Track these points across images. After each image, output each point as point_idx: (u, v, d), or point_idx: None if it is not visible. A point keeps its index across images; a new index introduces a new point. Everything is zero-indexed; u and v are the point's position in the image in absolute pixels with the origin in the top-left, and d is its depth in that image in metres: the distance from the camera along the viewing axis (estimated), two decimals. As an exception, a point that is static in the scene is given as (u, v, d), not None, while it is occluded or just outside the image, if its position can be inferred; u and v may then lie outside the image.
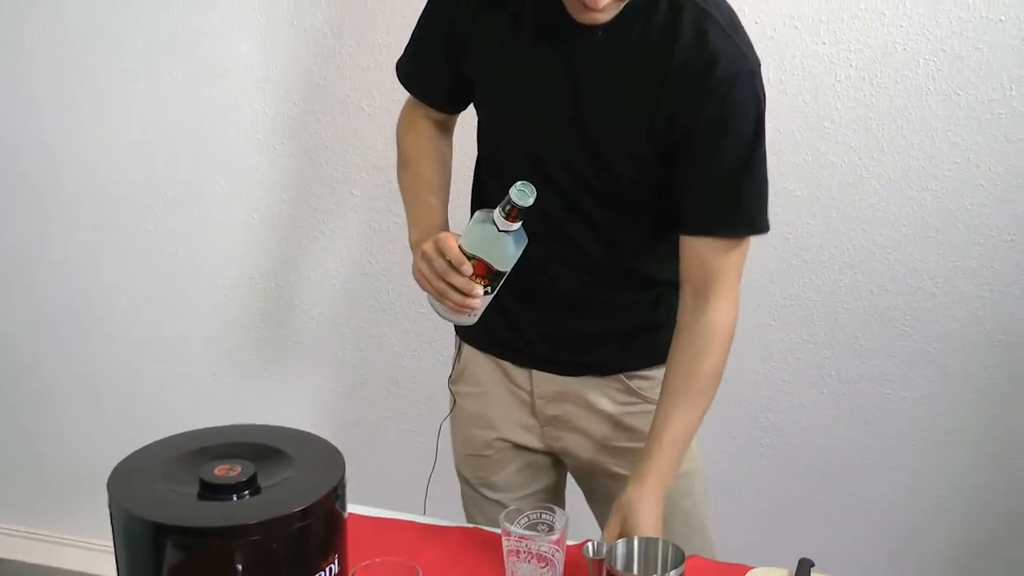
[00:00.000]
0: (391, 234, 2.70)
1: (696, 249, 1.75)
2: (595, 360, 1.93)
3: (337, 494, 1.52)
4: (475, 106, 1.90)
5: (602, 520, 1.96)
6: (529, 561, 1.57)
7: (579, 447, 1.97)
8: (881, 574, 1.75)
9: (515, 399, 1.98)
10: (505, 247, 1.67)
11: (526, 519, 1.62)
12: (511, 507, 1.64)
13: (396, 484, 2.17)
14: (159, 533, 1.44)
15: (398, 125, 2.01)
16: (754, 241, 2.05)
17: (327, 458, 1.58)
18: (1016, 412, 2.53)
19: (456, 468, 2.10)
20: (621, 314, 1.91)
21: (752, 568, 1.75)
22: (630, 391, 1.93)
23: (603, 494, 1.96)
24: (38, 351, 3.14)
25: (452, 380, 2.07)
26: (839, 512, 2.65)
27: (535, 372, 1.94)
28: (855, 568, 1.77)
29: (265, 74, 2.69)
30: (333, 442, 1.62)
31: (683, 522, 1.91)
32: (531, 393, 1.96)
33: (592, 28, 1.66)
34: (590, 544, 1.59)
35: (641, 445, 1.79)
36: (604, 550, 1.57)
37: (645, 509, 1.67)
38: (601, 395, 1.94)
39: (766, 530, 2.41)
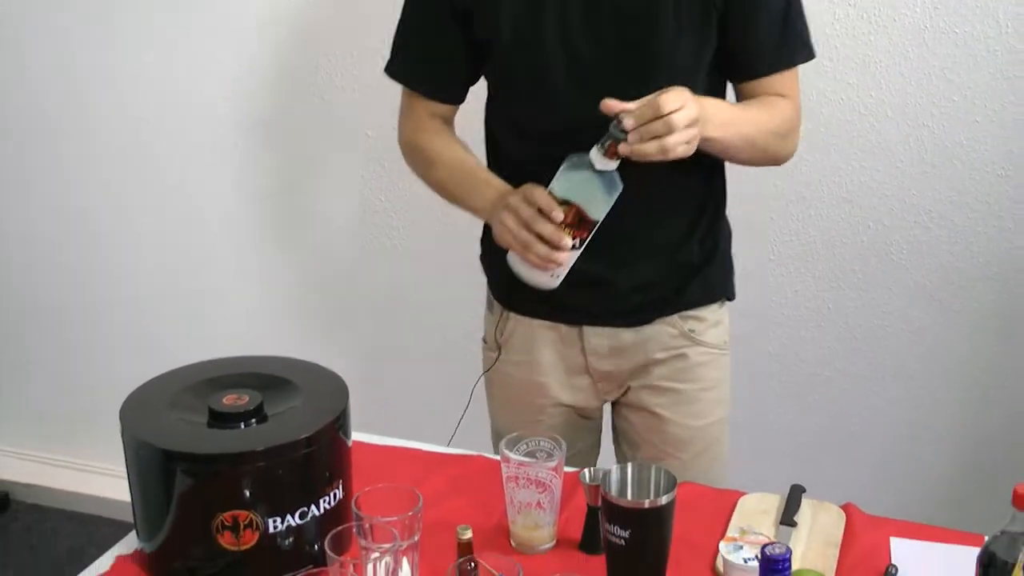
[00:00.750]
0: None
1: (763, 88, 1.78)
2: (648, 304, 1.86)
3: (340, 423, 1.54)
4: (490, 71, 1.81)
5: (625, 459, 1.96)
6: (527, 487, 1.58)
7: (628, 390, 1.93)
8: (873, 502, 1.76)
9: (567, 361, 1.90)
10: (601, 191, 1.57)
11: (525, 446, 1.62)
12: (511, 435, 1.64)
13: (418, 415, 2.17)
14: (169, 460, 1.46)
15: (402, 135, 1.91)
16: (753, 176, 2.05)
17: (332, 388, 1.60)
18: (1010, 345, 2.52)
19: (495, 424, 2.05)
20: (672, 249, 1.84)
21: (745, 494, 1.76)
22: (684, 335, 1.88)
23: (633, 431, 1.96)
24: (57, 289, 3.16)
25: (490, 346, 1.97)
26: (834, 442, 2.65)
27: (587, 328, 1.87)
28: (847, 495, 1.77)
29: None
30: (347, 373, 1.63)
31: (710, 465, 1.94)
32: (583, 351, 1.89)
33: None
34: (587, 471, 1.60)
35: (693, 386, 1.88)
36: (600, 476, 1.58)
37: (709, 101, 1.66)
38: (655, 342, 1.88)
39: (760, 458, 2.41)
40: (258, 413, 1.53)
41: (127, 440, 1.50)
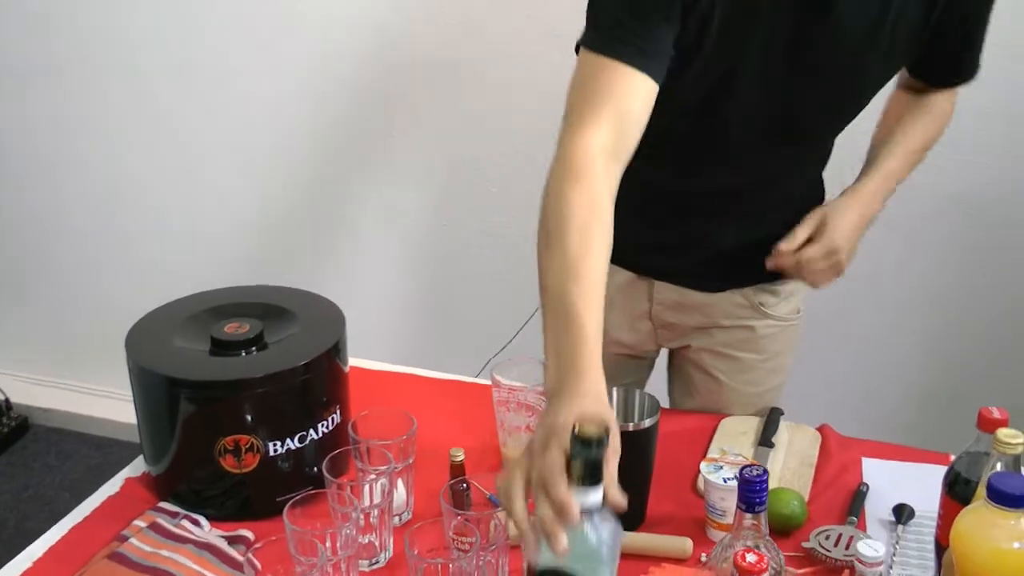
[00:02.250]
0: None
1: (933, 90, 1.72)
2: (725, 274, 1.77)
3: (337, 350, 1.53)
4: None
5: (677, 404, 1.93)
6: (517, 411, 1.57)
7: (688, 348, 1.86)
8: (847, 424, 1.76)
9: (632, 304, 1.80)
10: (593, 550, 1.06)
11: (516, 371, 1.61)
12: (505, 360, 1.62)
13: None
14: (173, 386, 1.45)
15: (569, 145, 1.35)
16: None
17: (329, 316, 1.58)
18: (973, 274, 2.51)
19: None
20: (763, 228, 1.70)
21: (726, 416, 1.75)
22: (753, 307, 1.79)
23: (690, 382, 1.89)
24: (68, 222, 3.14)
25: None
26: (807, 367, 2.64)
27: (657, 282, 1.78)
28: (821, 416, 1.76)
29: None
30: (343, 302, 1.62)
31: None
32: (650, 299, 1.79)
33: None
34: (572, 397, 1.58)
35: (755, 356, 1.81)
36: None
37: (846, 218, 1.65)
38: (720, 308, 1.79)
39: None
40: (258, 341, 1.52)
41: (132, 367, 1.49)
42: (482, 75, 2.63)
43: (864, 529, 1.47)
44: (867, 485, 1.56)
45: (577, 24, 1.44)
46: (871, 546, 1.08)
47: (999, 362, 2.55)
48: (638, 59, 1.36)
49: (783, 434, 1.70)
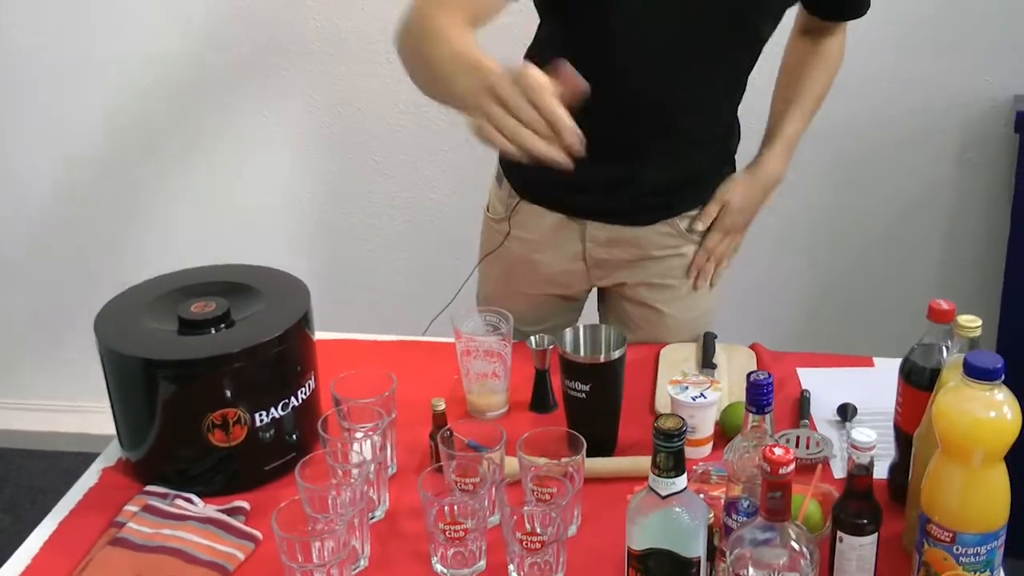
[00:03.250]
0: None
1: (830, 27, 1.86)
2: (655, 208, 1.82)
3: (307, 319, 1.53)
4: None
5: None
6: (482, 358, 1.61)
7: (623, 284, 1.90)
8: (752, 336, 1.85)
9: (566, 246, 1.85)
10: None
11: (472, 322, 1.64)
12: (463, 310, 1.65)
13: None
14: (151, 368, 1.44)
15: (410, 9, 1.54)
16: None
17: (294, 290, 1.58)
18: (849, 194, 2.65)
19: (485, 299, 1.96)
20: (686, 163, 1.79)
21: (663, 346, 1.82)
22: (682, 234, 1.85)
23: (628, 318, 1.93)
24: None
25: (499, 219, 1.88)
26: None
27: (590, 222, 1.83)
28: (732, 334, 1.85)
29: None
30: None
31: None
32: (583, 239, 1.84)
33: None
34: (532, 338, 1.64)
35: (688, 282, 1.88)
36: (546, 342, 1.62)
37: (747, 199, 1.82)
38: (651, 240, 1.84)
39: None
40: (227, 318, 1.51)
41: (105, 352, 1.46)
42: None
43: (815, 430, 1.56)
44: (808, 391, 1.66)
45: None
46: (864, 432, 1.16)
47: (875, 274, 2.71)
48: None
49: (721, 355, 1.78)
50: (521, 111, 1.18)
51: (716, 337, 1.82)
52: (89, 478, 1.54)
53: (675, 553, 1.11)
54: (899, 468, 1.38)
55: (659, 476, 1.09)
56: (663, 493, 1.10)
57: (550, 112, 1.17)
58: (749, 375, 1.17)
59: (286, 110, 2.74)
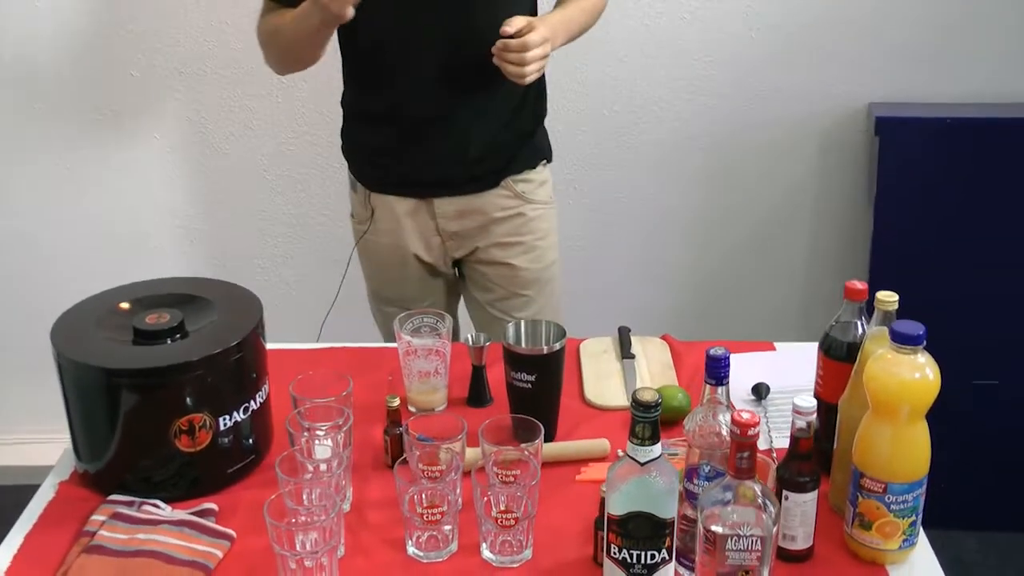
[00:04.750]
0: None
1: None
2: (488, 172, 2.05)
3: (262, 327, 1.58)
4: None
5: (478, 304, 2.17)
6: (424, 357, 1.68)
7: (477, 249, 2.10)
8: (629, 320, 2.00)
9: (422, 226, 2.08)
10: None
11: (411, 324, 1.72)
12: (402, 314, 1.73)
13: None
14: (111, 377, 1.47)
15: (258, 30, 2.01)
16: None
17: (245, 300, 1.63)
18: (717, 198, 2.82)
19: (371, 286, 2.21)
20: (508, 120, 2.02)
21: (583, 340, 1.93)
22: (517, 195, 2.08)
23: (486, 279, 2.13)
24: None
25: (360, 220, 2.14)
26: (605, 289, 2.87)
27: (436, 199, 2.05)
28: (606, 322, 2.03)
29: None
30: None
31: (550, 298, 2.17)
32: (434, 216, 2.07)
33: None
34: (469, 336, 1.72)
35: (532, 236, 2.10)
36: (482, 339, 1.70)
37: (549, 21, 1.89)
38: (493, 203, 2.07)
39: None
40: (181, 328, 1.54)
41: (65, 365, 1.48)
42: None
43: (734, 407, 1.69)
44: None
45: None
46: (805, 399, 1.29)
47: (745, 271, 2.89)
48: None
49: (637, 346, 1.90)
50: None
51: (630, 331, 1.94)
52: (46, 493, 1.55)
53: (653, 515, 1.21)
54: (823, 435, 1.51)
55: (638, 445, 1.18)
56: (641, 460, 1.19)
57: None
58: (708, 350, 1.28)
59: (178, 132, 2.74)
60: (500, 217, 2.08)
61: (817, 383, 1.51)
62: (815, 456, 1.34)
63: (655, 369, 1.83)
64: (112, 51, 2.66)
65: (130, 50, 2.66)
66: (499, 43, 1.81)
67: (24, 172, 2.79)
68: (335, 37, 1.95)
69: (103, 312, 1.57)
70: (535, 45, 1.81)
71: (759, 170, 2.77)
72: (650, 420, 1.18)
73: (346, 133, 2.13)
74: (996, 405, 2.61)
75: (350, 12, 1.73)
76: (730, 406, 1.28)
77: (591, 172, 2.77)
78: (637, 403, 1.17)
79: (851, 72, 2.65)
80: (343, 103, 2.11)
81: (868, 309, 1.44)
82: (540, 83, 2.06)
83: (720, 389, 1.28)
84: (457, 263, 2.16)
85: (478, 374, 1.73)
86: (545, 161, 2.14)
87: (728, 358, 1.28)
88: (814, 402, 1.30)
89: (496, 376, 1.72)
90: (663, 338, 1.94)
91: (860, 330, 1.44)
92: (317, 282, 2.79)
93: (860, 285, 1.44)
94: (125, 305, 1.58)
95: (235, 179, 2.80)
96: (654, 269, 2.88)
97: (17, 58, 2.67)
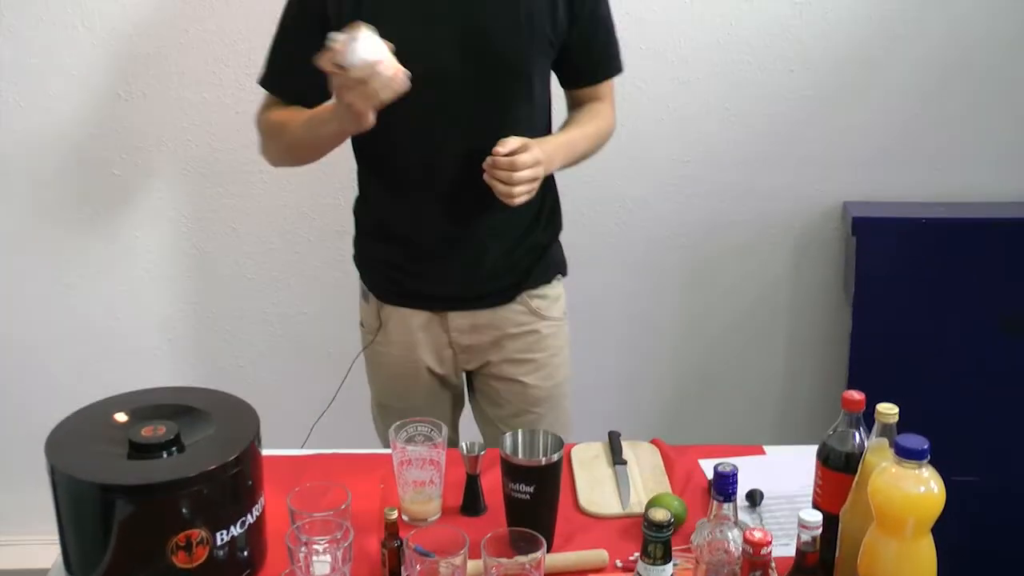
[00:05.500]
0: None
1: (589, 95, 2.07)
2: (502, 289, 2.04)
3: (259, 439, 1.57)
4: None
5: (488, 419, 2.16)
6: (420, 467, 1.67)
7: (489, 363, 2.09)
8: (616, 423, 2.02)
9: (434, 338, 2.06)
10: None
11: (405, 433, 1.71)
12: (397, 423, 1.72)
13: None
14: (106, 492, 1.46)
15: (259, 123, 1.99)
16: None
17: (241, 412, 1.62)
18: (695, 296, 2.85)
19: (378, 403, 2.21)
20: (522, 236, 2.02)
21: (572, 445, 1.93)
22: (531, 311, 2.07)
23: (497, 394, 2.12)
24: None
25: (369, 329, 2.11)
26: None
27: (450, 313, 2.04)
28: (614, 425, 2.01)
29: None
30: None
31: (559, 414, 2.15)
32: (447, 330, 2.05)
33: None
34: (463, 444, 1.72)
35: (544, 354, 2.09)
36: (476, 448, 1.70)
37: (545, 147, 1.87)
38: (507, 319, 2.06)
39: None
40: (177, 442, 1.53)
41: (59, 478, 1.46)
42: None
43: (730, 515, 1.69)
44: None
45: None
46: (811, 512, 1.30)
47: (725, 370, 2.91)
48: (289, 96, 1.95)
49: (628, 452, 1.90)
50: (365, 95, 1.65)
51: (620, 435, 1.95)
52: (34, 609, 1.52)
53: None
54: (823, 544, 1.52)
55: (651, 564, 1.19)
56: None
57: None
58: (716, 467, 1.29)
59: (158, 230, 2.74)
60: (514, 333, 2.07)
61: (816, 492, 1.52)
62: (820, 570, 1.35)
63: (647, 475, 1.83)
64: (95, 151, 2.67)
65: (111, 149, 2.67)
66: (488, 160, 1.81)
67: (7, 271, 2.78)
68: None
69: (97, 424, 1.56)
70: (524, 166, 1.80)
71: (736, 268, 2.81)
72: (662, 540, 1.18)
73: (359, 244, 2.13)
74: (976, 502, 2.63)
75: (371, 119, 1.71)
76: (737, 522, 1.29)
77: (570, 272, 2.79)
78: (650, 523, 1.18)
79: (826, 171, 2.71)
80: (356, 213, 2.11)
81: (866, 418, 1.46)
82: (554, 197, 2.08)
83: (727, 505, 1.29)
84: (468, 373, 2.16)
85: (472, 483, 1.73)
86: (560, 275, 2.13)
87: (736, 475, 1.29)
88: (819, 516, 1.31)
89: (489, 483, 1.72)
90: (653, 442, 1.94)
91: (858, 440, 1.46)
92: (298, 382, 2.80)
93: (857, 396, 1.46)
94: (121, 417, 1.57)
95: (216, 279, 2.80)
96: (636, 369, 2.90)
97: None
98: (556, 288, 2.12)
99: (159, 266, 2.78)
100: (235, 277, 2.79)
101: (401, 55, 1.67)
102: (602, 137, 2.09)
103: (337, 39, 1.62)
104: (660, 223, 2.76)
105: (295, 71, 1.85)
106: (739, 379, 2.90)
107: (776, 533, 1.63)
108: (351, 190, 2.11)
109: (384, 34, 1.66)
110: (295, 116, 1.90)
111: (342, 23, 1.70)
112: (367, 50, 1.62)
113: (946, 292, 2.58)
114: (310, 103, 1.87)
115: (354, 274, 2.13)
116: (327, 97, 1.80)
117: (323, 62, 1.64)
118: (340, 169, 2.22)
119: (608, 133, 2.11)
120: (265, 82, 1.98)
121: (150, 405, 1.60)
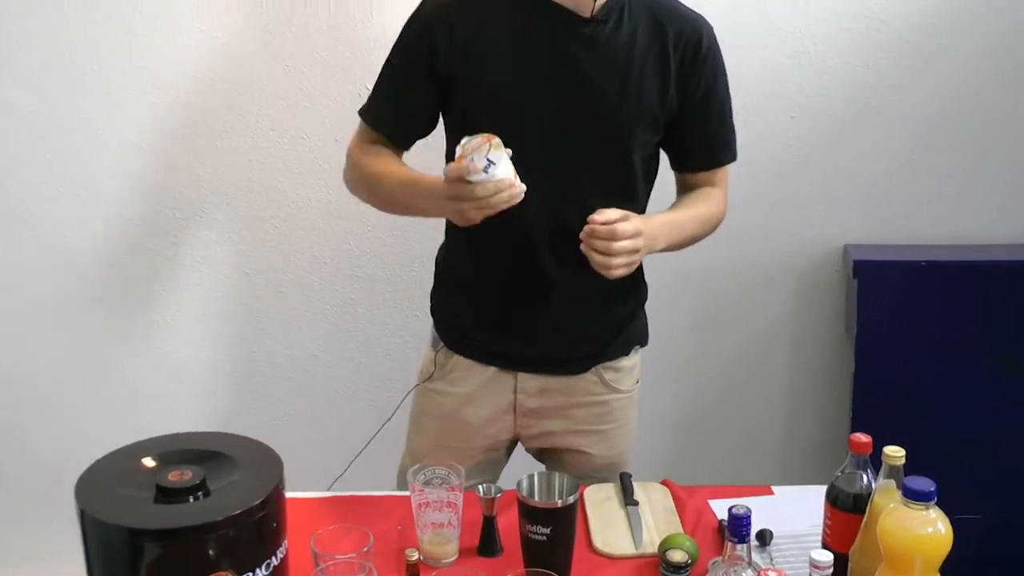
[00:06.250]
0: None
1: (700, 180, 2.01)
2: (580, 356, 2.00)
3: (283, 482, 1.61)
4: (459, 121, 1.86)
5: None
6: (438, 509, 1.71)
7: (551, 432, 2.05)
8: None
9: (497, 398, 2.01)
10: None
11: (423, 475, 1.75)
12: (415, 466, 1.76)
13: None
14: (135, 537, 1.48)
15: (352, 154, 1.97)
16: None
17: (265, 457, 1.65)
18: (697, 334, 2.91)
19: (412, 446, 2.12)
20: (605, 310, 1.98)
21: (583, 487, 1.96)
22: (603, 382, 2.03)
23: (561, 463, 2.07)
24: None
25: (427, 377, 2.05)
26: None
27: (520, 373, 1.99)
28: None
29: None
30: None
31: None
32: (514, 390, 2.00)
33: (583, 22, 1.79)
34: (480, 486, 1.76)
35: (611, 426, 2.05)
36: (493, 491, 1.74)
37: (647, 222, 1.81)
38: (579, 387, 2.01)
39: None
40: (203, 486, 1.57)
41: (88, 522, 1.50)
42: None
43: (741, 556, 1.74)
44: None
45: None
46: (821, 553, 1.35)
47: (728, 410, 2.95)
48: (388, 132, 1.95)
49: (640, 493, 1.94)
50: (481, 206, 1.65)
51: (631, 476, 1.99)
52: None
53: None
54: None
55: None
56: None
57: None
58: (730, 509, 1.34)
59: (175, 278, 2.80)
60: (584, 402, 2.03)
61: (825, 532, 1.57)
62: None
63: (659, 515, 1.87)
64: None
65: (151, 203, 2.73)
66: (586, 229, 1.73)
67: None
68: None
69: (125, 468, 1.60)
70: (624, 236, 1.71)
71: (739, 310, 2.87)
72: None
73: (437, 293, 2.08)
74: (978, 538, 2.67)
75: (479, 218, 1.70)
76: (751, 563, 1.33)
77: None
78: (668, 564, 1.22)
79: (827, 214, 2.77)
80: (438, 262, 2.07)
81: (873, 460, 1.51)
82: (640, 268, 1.97)
83: (741, 546, 1.33)
84: (525, 440, 2.09)
85: (489, 524, 1.77)
86: (639, 347, 2.09)
87: (750, 517, 1.33)
88: (831, 556, 1.36)
89: (505, 524, 1.76)
90: (663, 483, 1.99)
91: (865, 481, 1.51)
92: (320, 428, 2.84)
93: (864, 439, 1.51)
94: (149, 462, 1.61)
95: (225, 318, 2.85)
96: (642, 409, 2.93)
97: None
98: (632, 359, 2.08)
99: (192, 310, 2.84)
100: (245, 318, 2.84)
101: (495, 101, 1.75)
102: (711, 222, 2.01)
103: (467, 148, 1.61)
104: (660, 263, 2.80)
105: (399, 112, 1.92)
106: (742, 418, 2.95)
107: (789, 571, 1.69)
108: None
109: (483, 86, 1.73)
110: (394, 171, 1.90)
111: (448, 69, 1.80)
112: (501, 170, 1.62)
113: (947, 333, 2.63)
114: (405, 142, 1.95)
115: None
116: (422, 136, 1.92)
117: (450, 173, 1.65)
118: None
119: (718, 219, 2.03)
120: (367, 117, 1.96)
121: (177, 450, 1.64)
